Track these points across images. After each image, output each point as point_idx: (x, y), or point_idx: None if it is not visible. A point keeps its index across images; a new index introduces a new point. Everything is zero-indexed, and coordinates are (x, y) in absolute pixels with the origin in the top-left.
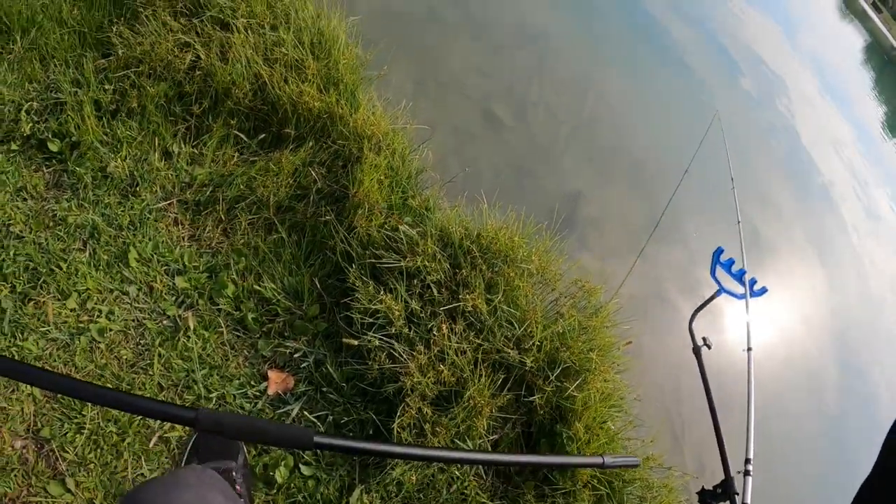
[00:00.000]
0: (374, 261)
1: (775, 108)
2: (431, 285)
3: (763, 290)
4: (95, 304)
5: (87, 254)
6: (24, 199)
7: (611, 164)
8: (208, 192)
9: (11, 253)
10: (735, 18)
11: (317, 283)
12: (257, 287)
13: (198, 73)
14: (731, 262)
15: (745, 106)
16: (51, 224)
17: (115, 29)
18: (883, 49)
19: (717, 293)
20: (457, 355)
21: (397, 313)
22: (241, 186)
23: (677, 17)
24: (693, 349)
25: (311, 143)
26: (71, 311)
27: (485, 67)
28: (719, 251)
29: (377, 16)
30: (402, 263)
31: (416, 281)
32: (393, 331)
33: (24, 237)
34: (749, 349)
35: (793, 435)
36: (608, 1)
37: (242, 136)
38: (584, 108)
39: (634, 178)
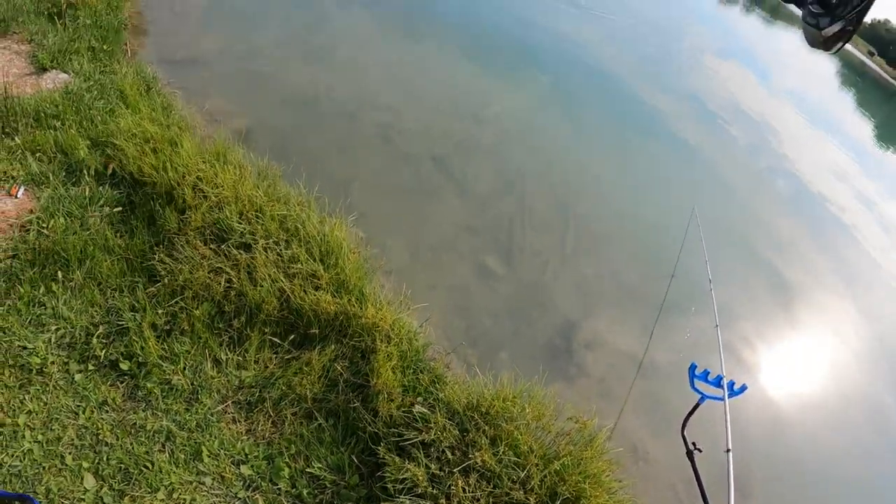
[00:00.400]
0: (397, 439)
1: (770, 150)
2: (446, 450)
3: (743, 388)
4: (180, 494)
5: (166, 454)
6: (107, 412)
7: (598, 289)
8: (256, 393)
9: (105, 457)
10: (711, 74)
11: (354, 458)
12: (308, 469)
13: (232, 292)
14: (706, 372)
15: (740, 155)
16: (132, 431)
17: (157, 256)
18: (854, 67)
19: (700, 401)
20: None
21: (421, 477)
22: (283, 387)
23: (650, 88)
24: (686, 453)
25: (333, 342)
26: (160, 501)
27: (472, 223)
28: (693, 367)
29: (370, 196)
30: (420, 437)
31: (432, 448)
32: (419, 491)
33: (112, 444)
34: (728, 450)
35: None
36: (572, 118)
37: (276, 339)
38: (566, 240)
39: (622, 295)
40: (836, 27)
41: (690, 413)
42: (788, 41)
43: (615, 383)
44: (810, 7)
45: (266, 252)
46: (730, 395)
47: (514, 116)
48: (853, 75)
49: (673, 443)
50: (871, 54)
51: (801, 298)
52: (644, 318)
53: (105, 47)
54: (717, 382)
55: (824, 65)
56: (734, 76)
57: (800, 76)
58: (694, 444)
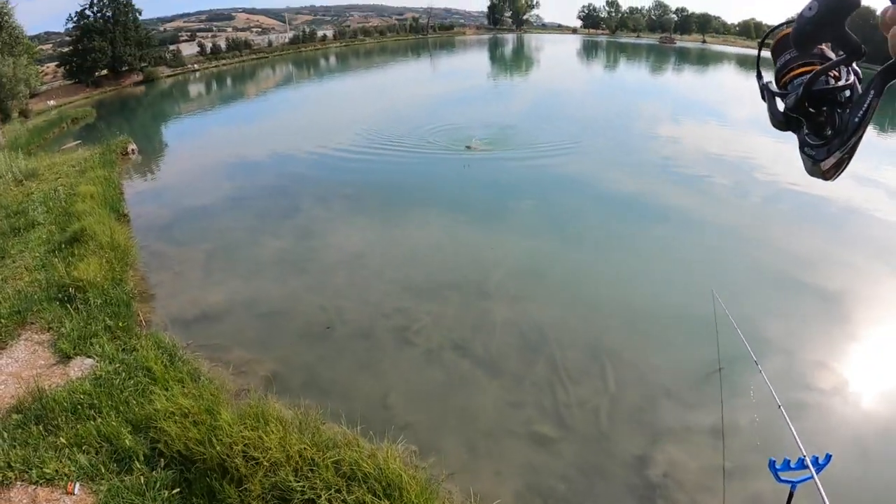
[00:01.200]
0: None
1: (757, 179)
2: None
3: (828, 458)
4: None
5: None
6: None
7: (653, 414)
8: None
9: None
10: (674, 138)
11: None
12: None
13: None
14: (786, 461)
15: (734, 198)
16: None
17: None
18: None
19: (793, 488)
20: None
21: None
22: None
23: (626, 177)
24: None
25: None
26: None
27: (512, 398)
28: (772, 463)
29: (409, 404)
30: None
31: None
32: None
33: None
34: None
35: None
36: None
37: None
38: (607, 378)
39: (679, 408)
40: (832, 160)
41: (788, 501)
42: (722, 78)
43: (709, 498)
44: (806, 138)
45: (335, 502)
46: (818, 472)
47: (516, 275)
48: None
49: None
50: None
51: (852, 301)
52: (708, 421)
53: (120, 324)
54: (801, 464)
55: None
56: (695, 131)
57: (752, 102)
58: None
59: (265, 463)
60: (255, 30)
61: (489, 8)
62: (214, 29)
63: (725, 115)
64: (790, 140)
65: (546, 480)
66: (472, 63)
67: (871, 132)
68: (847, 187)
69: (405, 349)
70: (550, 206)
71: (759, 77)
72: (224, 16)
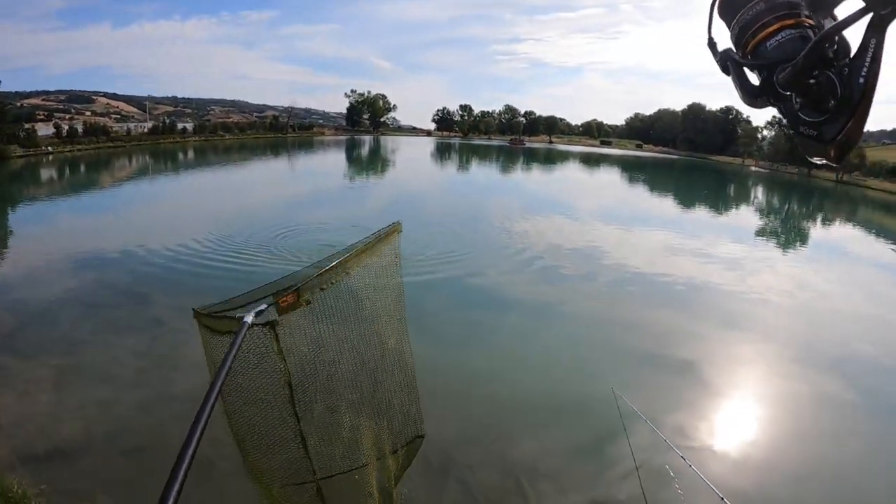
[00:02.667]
0: None
1: (608, 266)
2: None
3: None
4: None
5: None
6: None
7: None
8: None
9: None
10: (528, 235)
11: None
12: None
13: None
14: None
15: (586, 286)
16: None
17: None
18: (630, 166)
19: None
20: None
21: None
22: None
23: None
24: None
25: None
26: None
27: None
28: None
29: None
30: None
31: None
32: None
33: None
34: None
35: None
36: None
37: None
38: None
39: None
40: (852, 124)
41: None
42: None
43: None
44: (801, 115)
45: None
46: None
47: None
48: (635, 172)
49: None
50: (638, 146)
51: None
52: None
53: None
54: None
55: (609, 176)
56: (543, 225)
57: (593, 195)
58: None
59: None
60: (114, 116)
61: (348, 109)
62: (73, 111)
63: (570, 208)
64: (631, 226)
65: None
66: (330, 163)
67: (705, 211)
68: (687, 265)
69: None
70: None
71: (713, 45)
72: (84, 98)
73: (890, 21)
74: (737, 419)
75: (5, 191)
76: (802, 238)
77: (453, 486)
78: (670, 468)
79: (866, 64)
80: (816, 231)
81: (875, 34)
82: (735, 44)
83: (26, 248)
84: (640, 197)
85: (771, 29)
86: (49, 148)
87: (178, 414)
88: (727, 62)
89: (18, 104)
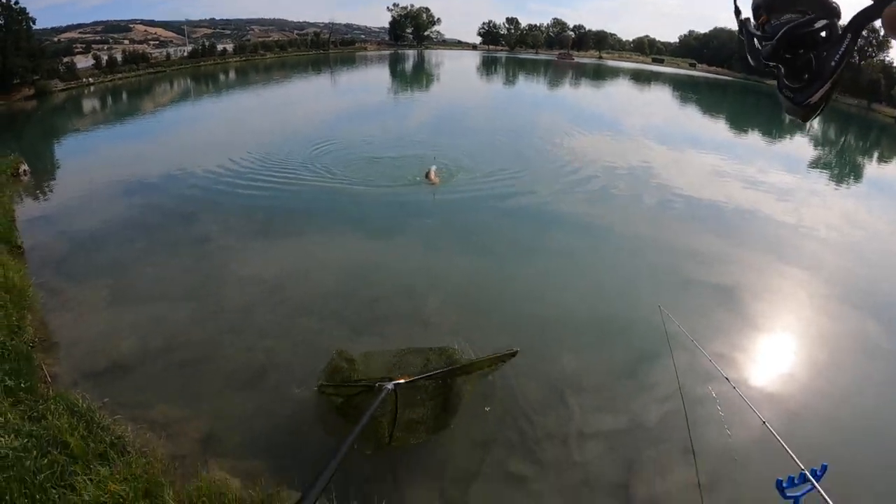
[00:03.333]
0: None
1: (656, 185)
2: None
3: (824, 468)
4: None
5: None
6: None
7: (627, 437)
8: None
9: None
10: (576, 153)
11: None
12: None
13: None
14: (791, 479)
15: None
16: None
17: None
18: (684, 84)
19: (796, 502)
20: None
21: None
22: None
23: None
24: None
25: None
26: None
27: (481, 437)
28: (779, 482)
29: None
30: None
31: None
32: None
33: None
34: None
35: None
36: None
37: None
38: (571, 406)
39: (650, 430)
40: (818, 94)
41: None
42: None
43: None
44: (784, 80)
45: None
46: (818, 481)
47: (456, 302)
48: (687, 92)
49: None
50: (692, 65)
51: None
52: (680, 447)
53: (23, 384)
54: (803, 478)
55: (660, 94)
56: (591, 143)
57: (644, 113)
58: None
59: None
60: (152, 42)
61: (391, 24)
62: (111, 41)
63: (618, 124)
64: (681, 148)
65: None
66: (372, 78)
67: (758, 137)
68: (736, 191)
69: None
70: (449, 226)
71: (738, 13)
72: (121, 27)
73: (864, 27)
74: (777, 350)
75: (49, 124)
76: (857, 174)
77: (498, 396)
78: (712, 390)
79: (839, 53)
80: (872, 168)
81: (851, 32)
82: (753, 14)
83: (74, 179)
84: (692, 118)
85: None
86: (90, 79)
87: (229, 326)
88: (742, 28)
89: (56, 39)
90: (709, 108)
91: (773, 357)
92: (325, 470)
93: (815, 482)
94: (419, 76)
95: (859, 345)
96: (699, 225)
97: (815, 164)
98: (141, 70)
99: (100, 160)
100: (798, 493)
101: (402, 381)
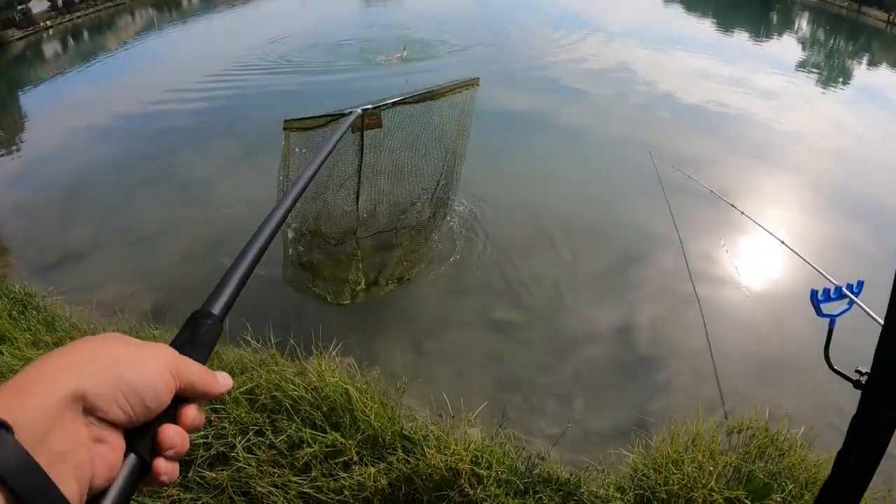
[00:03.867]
0: None
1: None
2: None
3: (861, 283)
4: None
5: None
6: None
7: (621, 277)
8: None
9: None
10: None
11: None
12: None
13: None
14: (826, 291)
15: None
16: None
17: None
18: None
19: (832, 323)
20: None
21: None
22: None
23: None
24: (854, 385)
25: None
26: None
27: (461, 284)
28: (814, 293)
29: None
30: None
31: None
32: None
33: None
34: None
35: None
36: None
37: None
38: (560, 249)
39: (647, 268)
40: None
41: (827, 343)
42: None
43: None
44: None
45: (257, 451)
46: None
47: None
48: None
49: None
50: None
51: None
52: (676, 279)
53: None
54: (839, 293)
55: None
56: (576, 45)
57: (627, 14)
58: (858, 370)
59: None
60: None
61: None
62: None
63: (606, 26)
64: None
65: (521, 373)
66: None
67: (745, 37)
68: (721, 91)
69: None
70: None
71: None
72: None
73: None
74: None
75: (12, 77)
76: (845, 78)
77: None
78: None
79: None
80: (861, 73)
81: None
82: None
83: (48, 129)
84: (676, 16)
85: None
86: (47, 23)
87: (185, 200)
88: None
89: None
90: (694, 6)
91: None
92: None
93: (853, 297)
94: None
95: (842, 249)
96: (683, 126)
97: (803, 65)
98: (100, 5)
99: (73, 105)
100: (835, 313)
101: (369, 106)
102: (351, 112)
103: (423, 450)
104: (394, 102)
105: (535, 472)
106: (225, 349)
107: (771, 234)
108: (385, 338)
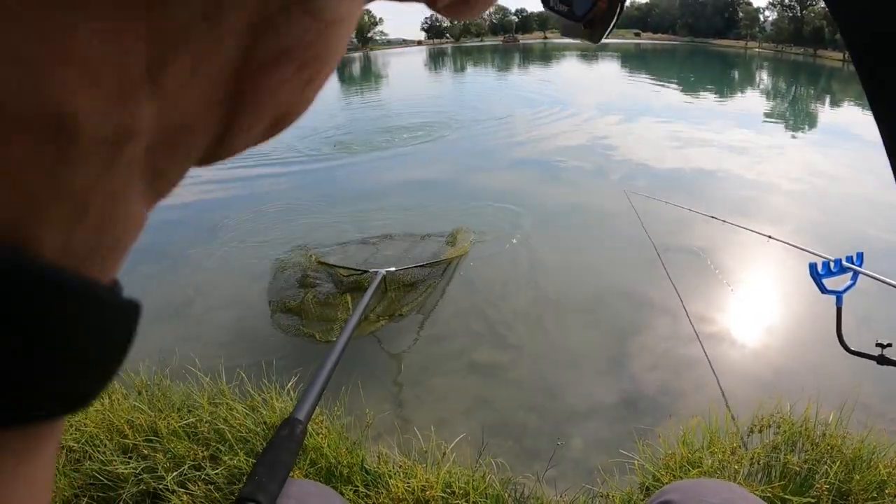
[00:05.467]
0: None
1: (615, 163)
2: None
3: (860, 255)
4: None
5: None
6: None
7: (610, 304)
8: None
9: None
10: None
11: None
12: None
13: None
14: (826, 265)
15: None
16: None
17: None
18: (631, 56)
19: (839, 301)
20: None
21: None
22: None
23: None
24: (878, 361)
25: None
26: None
27: (436, 332)
28: (812, 267)
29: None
30: None
31: None
32: None
33: None
34: None
35: None
36: None
37: None
38: (538, 282)
39: (636, 292)
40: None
41: (839, 324)
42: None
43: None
44: None
45: (191, 486)
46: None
47: None
48: (635, 59)
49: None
50: (637, 35)
51: None
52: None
53: None
54: (840, 268)
55: (609, 67)
56: (549, 124)
57: (595, 88)
58: (879, 343)
59: (73, 444)
60: None
61: None
62: None
63: (568, 105)
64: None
65: (510, 415)
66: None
67: (711, 98)
68: (695, 154)
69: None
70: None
71: None
72: None
73: None
74: (745, 307)
75: None
76: (811, 121)
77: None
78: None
79: None
80: (825, 114)
81: None
82: None
83: None
84: (642, 87)
85: None
86: None
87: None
88: None
89: None
90: (659, 75)
91: (744, 313)
92: (322, 370)
93: (857, 268)
94: (368, 77)
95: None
96: (662, 191)
97: (770, 116)
98: None
99: None
100: (840, 289)
101: (392, 269)
102: (376, 272)
103: (387, 482)
104: (416, 266)
105: (525, 502)
106: (175, 383)
107: (757, 232)
108: (360, 385)
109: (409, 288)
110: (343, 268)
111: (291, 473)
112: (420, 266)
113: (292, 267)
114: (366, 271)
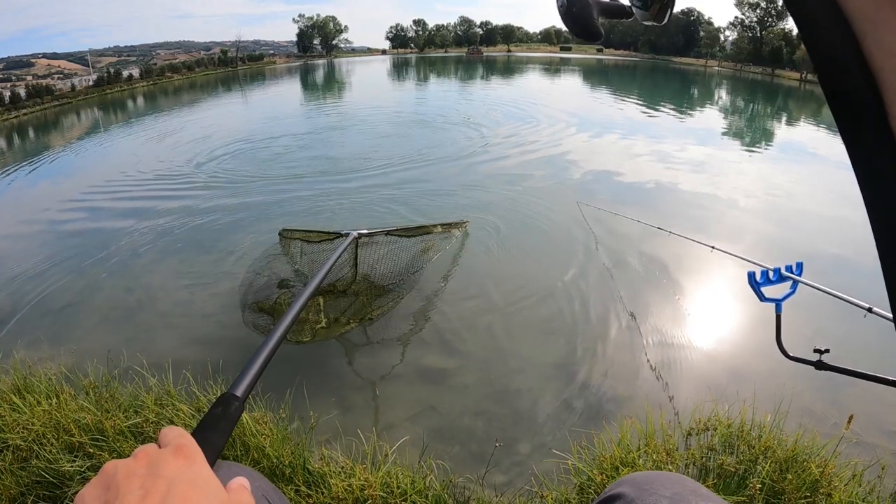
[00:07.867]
0: None
1: (574, 177)
2: None
3: (800, 265)
4: None
5: None
6: None
7: (559, 307)
8: None
9: None
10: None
11: None
12: None
13: None
14: (764, 273)
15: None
16: None
17: None
18: (594, 72)
19: (778, 308)
20: None
21: None
22: None
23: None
24: (816, 366)
25: None
26: None
27: (378, 337)
28: (751, 276)
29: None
30: None
31: None
32: None
33: None
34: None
35: None
36: None
37: None
38: (486, 286)
39: (583, 294)
40: None
41: (778, 331)
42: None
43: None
44: None
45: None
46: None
47: None
48: (598, 76)
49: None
50: (599, 50)
51: None
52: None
53: None
54: (779, 277)
55: (571, 82)
56: (508, 135)
57: (557, 103)
58: (817, 349)
59: (20, 443)
60: (56, 76)
61: (298, 36)
62: (13, 78)
63: (538, 121)
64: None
65: (456, 420)
66: (284, 90)
67: (670, 114)
68: (653, 169)
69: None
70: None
71: None
72: (23, 63)
73: None
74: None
75: None
76: (768, 138)
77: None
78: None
79: None
80: (782, 131)
81: None
82: None
83: None
84: (604, 102)
85: None
86: None
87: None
88: None
89: None
90: (620, 91)
91: (700, 322)
92: (270, 339)
93: (796, 277)
94: (331, 85)
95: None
96: (620, 205)
97: (728, 133)
98: (46, 103)
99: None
100: (779, 297)
101: (364, 230)
102: (348, 234)
103: (328, 481)
104: (387, 232)
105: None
106: (123, 385)
107: (701, 242)
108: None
109: (379, 291)
110: (315, 231)
111: (224, 455)
112: (391, 231)
113: (267, 271)
114: (338, 234)
